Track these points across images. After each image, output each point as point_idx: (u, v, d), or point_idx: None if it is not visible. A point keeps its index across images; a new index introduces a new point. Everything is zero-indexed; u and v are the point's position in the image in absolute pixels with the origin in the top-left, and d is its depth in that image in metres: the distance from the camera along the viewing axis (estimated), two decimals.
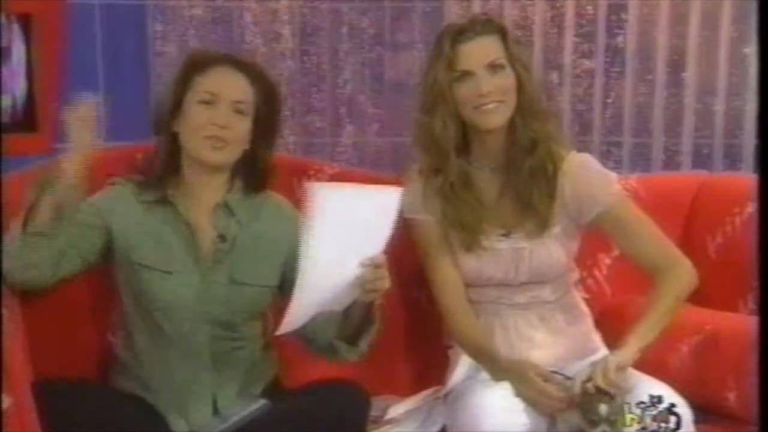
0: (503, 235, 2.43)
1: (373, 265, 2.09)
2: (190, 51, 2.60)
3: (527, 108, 2.40)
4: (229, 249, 2.30)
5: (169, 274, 2.26)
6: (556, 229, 2.43)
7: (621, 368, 2.23)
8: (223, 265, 2.29)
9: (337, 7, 3.11)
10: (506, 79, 2.38)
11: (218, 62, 2.31)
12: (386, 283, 2.12)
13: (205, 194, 2.32)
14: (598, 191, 2.43)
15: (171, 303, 2.25)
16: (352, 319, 2.22)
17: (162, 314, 2.26)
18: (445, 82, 2.36)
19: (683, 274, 2.41)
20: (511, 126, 2.40)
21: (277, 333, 2.12)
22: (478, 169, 2.45)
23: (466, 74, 2.36)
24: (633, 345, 2.28)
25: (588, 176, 2.44)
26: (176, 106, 2.28)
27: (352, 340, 2.26)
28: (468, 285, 2.46)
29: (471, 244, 2.42)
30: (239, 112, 2.28)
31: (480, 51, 2.37)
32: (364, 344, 2.27)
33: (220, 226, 2.31)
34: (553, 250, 2.44)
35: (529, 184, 2.40)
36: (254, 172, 2.35)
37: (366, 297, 2.14)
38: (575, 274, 2.56)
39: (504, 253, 2.43)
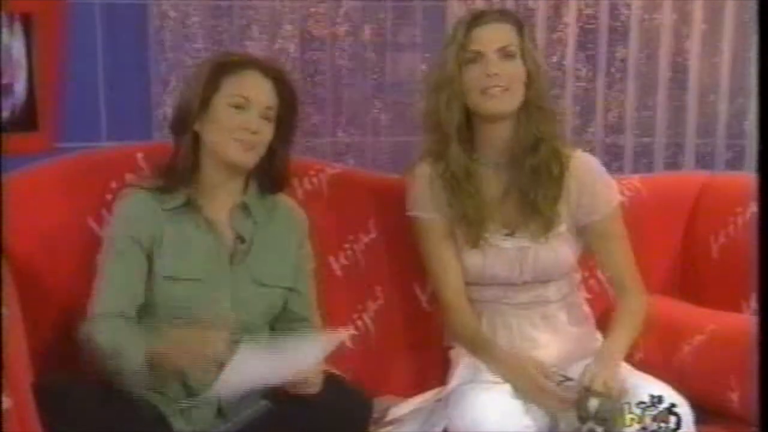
0: (507, 234, 2.43)
1: (298, 380, 2.14)
2: (217, 53, 2.59)
3: (534, 104, 2.40)
4: (247, 250, 2.30)
5: (198, 281, 2.24)
6: (562, 228, 2.43)
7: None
8: (244, 266, 2.28)
9: (338, 6, 3.10)
10: (516, 68, 2.38)
11: (247, 66, 2.30)
12: (315, 389, 2.16)
13: (223, 195, 2.31)
14: (600, 200, 2.44)
15: (198, 311, 2.21)
16: None
17: (186, 322, 2.21)
18: (456, 64, 2.37)
19: (643, 304, 2.44)
20: (516, 121, 2.40)
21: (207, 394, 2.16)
22: (483, 165, 2.44)
23: (477, 55, 2.37)
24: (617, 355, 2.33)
25: (593, 181, 2.44)
26: (202, 106, 2.27)
27: None
28: (471, 284, 2.46)
29: (476, 240, 2.41)
30: (266, 118, 2.28)
31: (493, 35, 2.38)
32: None
33: (238, 226, 2.31)
34: (559, 250, 2.43)
35: (532, 183, 2.40)
36: (271, 174, 2.35)
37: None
38: (578, 275, 2.55)
39: (508, 252, 2.42)
